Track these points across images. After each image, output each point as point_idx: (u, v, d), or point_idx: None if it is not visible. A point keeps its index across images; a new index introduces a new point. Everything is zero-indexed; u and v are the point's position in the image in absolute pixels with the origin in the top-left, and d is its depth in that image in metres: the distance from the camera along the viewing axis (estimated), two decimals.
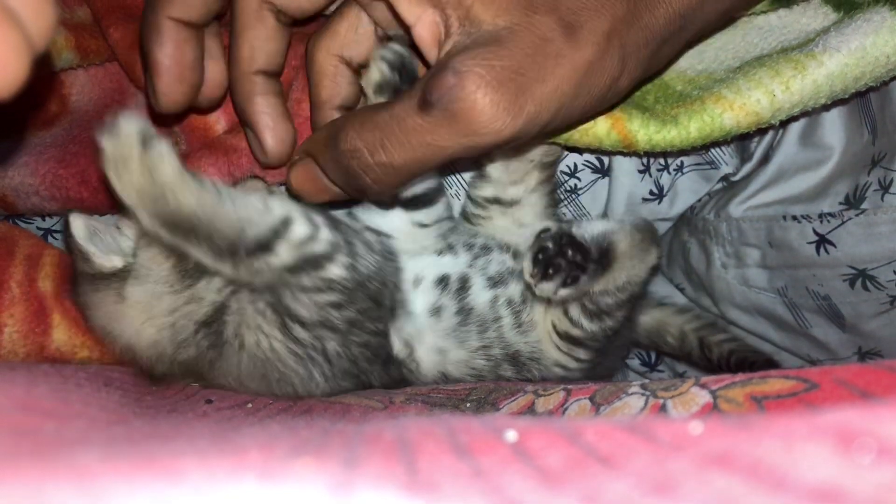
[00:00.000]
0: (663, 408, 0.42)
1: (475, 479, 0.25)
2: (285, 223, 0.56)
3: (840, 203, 0.68)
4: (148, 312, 0.62)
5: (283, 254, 0.56)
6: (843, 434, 0.22)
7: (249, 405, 0.57)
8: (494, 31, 0.47)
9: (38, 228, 0.80)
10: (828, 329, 0.75)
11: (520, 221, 0.75)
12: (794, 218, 0.71)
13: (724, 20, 0.64)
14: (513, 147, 0.56)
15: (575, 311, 0.70)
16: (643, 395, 0.43)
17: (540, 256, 0.64)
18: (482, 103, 0.46)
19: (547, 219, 0.76)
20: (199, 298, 0.62)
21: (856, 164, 0.67)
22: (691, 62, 0.68)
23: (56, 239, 0.80)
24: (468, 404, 0.57)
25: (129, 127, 0.52)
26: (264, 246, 0.55)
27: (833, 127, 0.69)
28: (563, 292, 0.64)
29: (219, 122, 0.71)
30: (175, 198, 0.53)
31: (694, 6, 0.51)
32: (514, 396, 0.55)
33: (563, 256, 0.63)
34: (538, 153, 0.71)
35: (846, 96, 0.59)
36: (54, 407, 0.33)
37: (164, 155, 0.51)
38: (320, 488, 0.24)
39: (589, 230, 0.65)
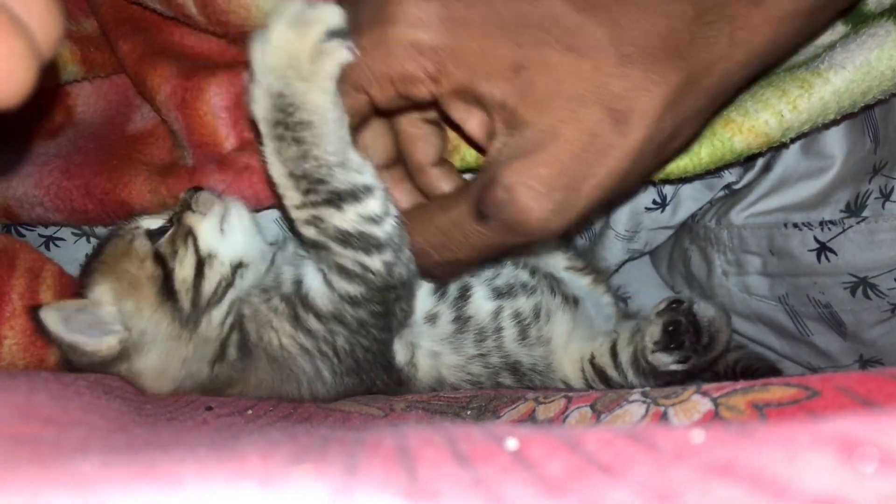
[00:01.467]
0: (664, 415, 0.41)
1: (475, 487, 0.25)
2: (367, 190, 0.56)
3: (841, 211, 0.68)
4: (163, 374, 0.63)
5: (349, 216, 0.56)
6: (845, 443, 0.22)
7: (249, 412, 0.57)
8: (539, 133, 0.47)
9: (40, 236, 0.80)
10: (829, 337, 0.75)
11: None
12: (796, 226, 0.71)
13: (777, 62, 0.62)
14: None
15: (625, 357, 0.72)
16: (644, 402, 0.43)
17: (670, 329, 0.68)
18: (535, 212, 0.47)
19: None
20: (206, 339, 0.63)
21: (857, 172, 0.68)
22: None
23: (58, 247, 0.80)
24: (469, 412, 0.57)
25: (330, 15, 0.51)
26: (337, 198, 0.55)
27: (835, 136, 0.69)
28: (674, 367, 0.69)
29: (228, 139, 0.70)
30: (310, 89, 0.52)
31: (756, 55, 0.48)
32: (515, 404, 0.55)
33: (688, 336, 0.68)
34: None
35: (855, 110, 0.59)
36: (54, 414, 0.33)
37: (336, 55, 0.51)
38: (320, 495, 0.24)
39: (704, 314, 0.69)
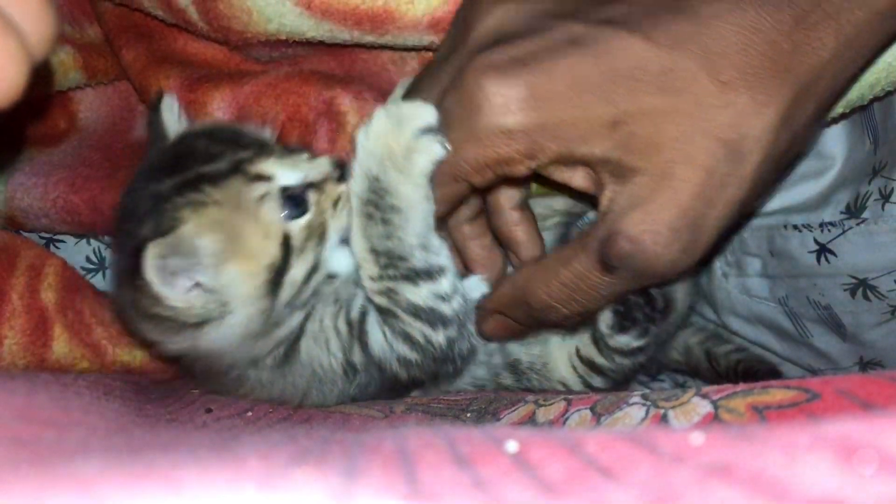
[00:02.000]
0: (664, 418, 0.41)
1: (476, 489, 0.25)
2: (441, 271, 0.57)
3: (841, 212, 0.68)
4: (216, 358, 0.61)
5: (422, 293, 0.57)
6: (844, 446, 0.22)
7: (249, 413, 0.57)
8: (652, 178, 0.46)
9: (41, 237, 0.80)
10: (829, 339, 0.75)
11: None
12: (795, 227, 0.71)
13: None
14: None
15: (605, 320, 0.70)
16: (644, 405, 0.43)
17: (620, 309, 0.67)
18: (664, 257, 0.47)
19: None
20: (274, 340, 0.61)
21: (857, 173, 0.68)
22: None
23: (58, 248, 0.80)
24: (469, 414, 0.57)
25: (424, 113, 0.53)
26: (414, 275, 0.57)
27: (835, 136, 0.69)
28: (637, 343, 0.68)
29: None
30: (404, 181, 0.54)
31: (865, 50, 0.46)
32: (515, 406, 0.55)
33: (639, 309, 0.67)
34: (564, 204, 0.72)
35: (864, 103, 0.58)
36: (54, 416, 0.33)
37: (429, 152, 0.52)
38: (320, 498, 0.24)
39: None
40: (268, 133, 0.62)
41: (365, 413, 0.58)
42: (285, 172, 0.57)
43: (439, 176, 0.53)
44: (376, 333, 0.61)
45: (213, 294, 0.54)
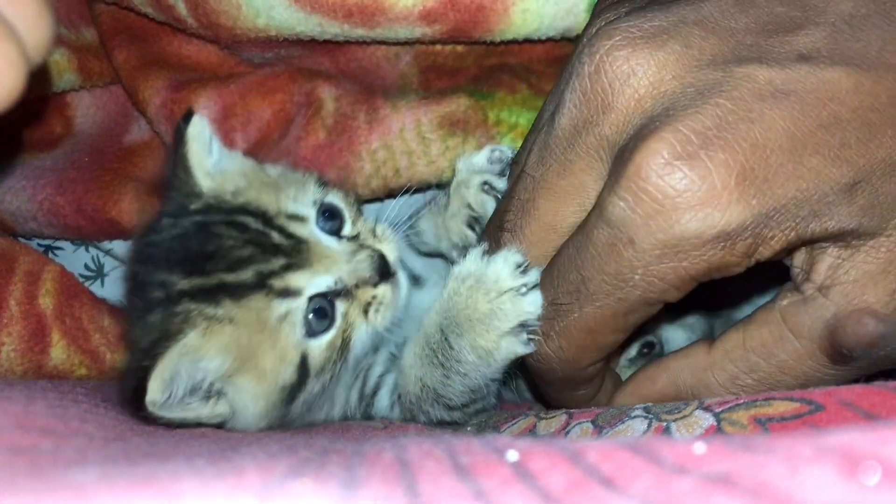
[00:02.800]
0: (667, 430, 0.41)
1: (476, 500, 0.25)
2: (482, 398, 0.56)
3: None
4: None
5: (455, 415, 0.56)
6: (847, 456, 0.22)
7: None
8: (877, 260, 0.39)
9: (39, 245, 0.80)
10: None
11: None
12: None
13: None
14: None
15: (630, 353, 0.68)
16: (646, 418, 0.43)
17: (645, 351, 0.64)
18: None
19: None
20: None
21: None
22: None
23: (56, 255, 0.80)
24: (469, 427, 0.57)
25: (529, 306, 0.48)
26: (453, 406, 0.55)
27: None
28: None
29: None
30: (473, 356, 0.51)
31: None
32: (516, 420, 0.54)
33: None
34: None
35: None
36: (52, 424, 0.33)
37: (516, 348, 0.49)
38: None
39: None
40: (312, 203, 0.55)
41: (364, 423, 0.57)
42: (314, 283, 0.52)
43: (608, 313, 0.43)
44: (383, 401, 0.60)
45: (219, 405, 0.52)
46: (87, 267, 0.81)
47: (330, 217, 0.56)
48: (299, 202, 0.55)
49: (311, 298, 0.52)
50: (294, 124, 0.68)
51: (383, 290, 0.55)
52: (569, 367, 0.47)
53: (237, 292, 0.50)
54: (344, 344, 0.54)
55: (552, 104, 0.47)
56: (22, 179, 0.73)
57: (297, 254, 0.52)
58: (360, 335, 0.55)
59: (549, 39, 0.65)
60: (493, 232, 0.51)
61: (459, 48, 0.69)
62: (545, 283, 0.47)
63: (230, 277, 0.50)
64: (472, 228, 0.59)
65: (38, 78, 0.69)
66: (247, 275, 0.51)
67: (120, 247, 0.77)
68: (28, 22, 0.32)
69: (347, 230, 0.57)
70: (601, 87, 0.41)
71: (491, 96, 0.65)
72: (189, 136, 0.54)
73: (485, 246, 0.51)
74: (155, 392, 0.46)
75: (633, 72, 0.40)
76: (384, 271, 0.55)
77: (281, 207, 0.54)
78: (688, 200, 0.37)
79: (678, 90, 0.39)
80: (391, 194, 0.67)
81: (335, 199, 0.57)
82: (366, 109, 0.65)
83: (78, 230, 0.74)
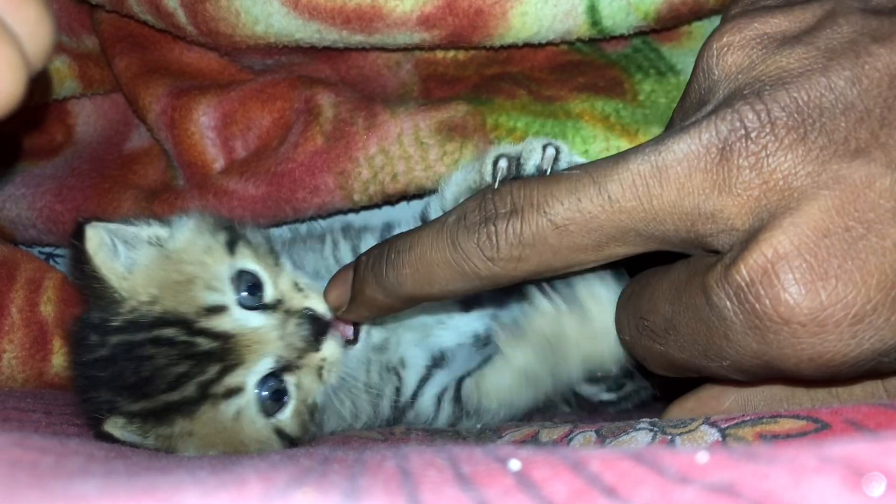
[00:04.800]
0: (671, 443, 0.41)
1: None
2: None
3: None
4: None
5: None
6: (852, 467, 0.22)
7: None
8: None
9: (40, 253, 0.80)
10: None
11: None
12: None
13: None
14: None
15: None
16: (651, 430, 0.43)
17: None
18: None
19: None
20: None
21: None
22: None
23: (57, 263, 0.80)
24: (469, 434, 0.57)
25: None
26: None
27: None
28: (606, 397, 0.64)
29: (217, 160, 0.70)
30: None
31: None
32: (519, 427, 0.54)
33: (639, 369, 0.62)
34: None
35: None
36: (50, 446, 0.32)
37: None
38: None
39: None
40: (229, 280, 0.54)
41: (364, 435, 0.57)
42: (255, 372, 0.52)
43: (691, 367, 0.42)
44: (426, 404, 0.62)
45: None
46: None
47: (250, 289, 0.54)
48: (214, 283, 0.53)
49: (257, 385, 0.53)
50: (292, 131, 0.68)
51: (327, 349, 0.54)
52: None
53: (185, 409, 0.51)
54: (310, 407, 0.54)
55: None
56: (22, 187, 0.73)
57: (228, 353, 0.52)
58: (324, 394, 0.55)
59: (550, 44, 0.65)
60: None
61: (461, 56, 0.69)
62: (639, 288, 0.46)
63: (174, 397, 0.50)
64: None
65: (39, 85, 0.70)
66: (189, 390, 0.51)
67: None
68: (28, 27, 0.32)
69: (269, 295, 0.55)
70: (728, 164, 0.38)
71: (490, 102, 0.65)
72: (91, 252, 0.53)
73: None
74: None
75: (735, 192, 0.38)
76: (321, 330, 0.54)
77: (198, 303, 0.52)
78: (801, 329, 0.36)
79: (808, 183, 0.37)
80: (388, 200, 0.67)
81: (247, 262, 0.55)
82: (364, 115, 0.65)
83: None
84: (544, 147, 0.50)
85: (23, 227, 0.74)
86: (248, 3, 0.61)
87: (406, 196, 0.66)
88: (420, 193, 0.67)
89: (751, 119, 0.37)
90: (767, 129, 0.37)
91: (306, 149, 0.66)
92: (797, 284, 0.35)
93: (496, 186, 0.45)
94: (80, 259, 0.53)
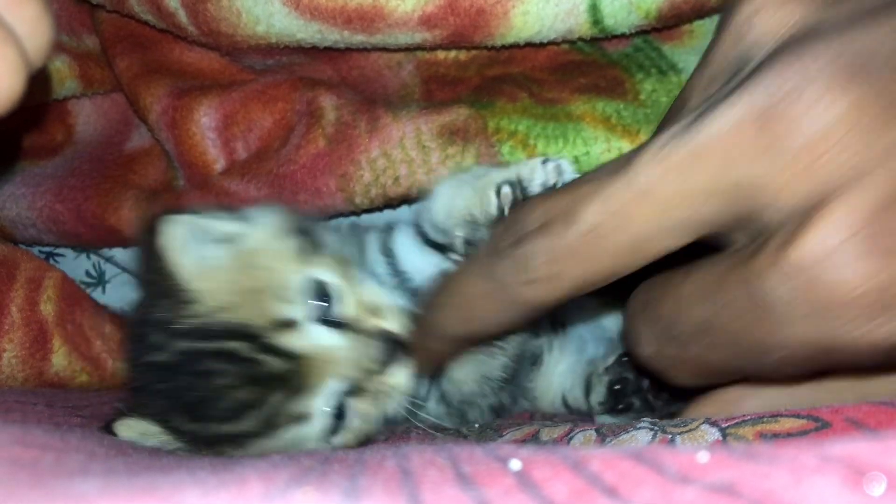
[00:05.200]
0: (672, 442, 0.41)
1: None
2: None
3: None
4: None
5: None
6: (853, 467, 0.22)
7: None
8: None
9: (40, 252, 0.80)
10: None
11: None
12: None
13: None
14: None
15: (598, 395, 0.65)
16: (651, 429, 0.43)
17: (616, 388, 0.60)
18: None
19: None
20: None
21: None
22: None
23: (57, 262, 0.80)
24: (469, 432, 0.57)
25: None
26: None
27: None
28: (604, 419, 0.62)
29: (218, 160, 0.70)
30: None
31: None
32: (520, 426, 0.54)
33: (638, 396, 0.59)
34: None
35: None
36: (51, 442, 0.32)
37: None
38: None
39: None
40: (301, 292, 0.49)
41: None
42: (324, 395, 0.48)
43: (729, 369, 0.40)
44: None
45: None
46: (88, 274, 0.81)
47: (322, 298, 0.50)
48: (286, 294, 0.49)
49: (324, 411, 0.49)
50: (294, 133, 0.68)
51: (397, 377, 0.50)
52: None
53: (239, 440, 0.47)
54: (365, 433, 0.52)
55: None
56: (22, 186, 0.73)
57: (296, 377, 0.47)
58: (377, 419, 0.52)
59: (552, 43, 0.65)
60: None
61: (462, 56, 0.69)
62: (658, 294, 0.42)
63: (230, 428, 0.47)
64: None
65: (39, 85, 0.70)
66: (248, 424, 0.47)
67: (121, 254, 0.77)
68: (27, 26, 0.32)
69: (343, 311, 0.50)
70: (777, 127, 0.34)
71: (491, 105, 0.65)
72: (167, 246, 0.48)
73: None
74: None
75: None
76: (394, 351, 0.50)
77: (268, 314, 0.48)
78: (868, 310, 0.33)
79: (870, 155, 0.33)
80: (389, 203, 0.67)
81: (324, 271, 0.51)
82: (367, 118, 0.65)
83: (77, 237, 0.74)
84: (544, 163, 0.49)
85: (23, 227, 0.74)
86: (249, 3, 0.61)
87: (408, 199, 0.66)
88: (422, 196, 0.67)
89: (795, 77, 0.33)
90: (815, 87, 0.33)
91: (308, 151, 0.66)
92: (862, 261, 0.32)
93: (507, 213, 0.44)
94: (152, 255, 0.49)
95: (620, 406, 0.60)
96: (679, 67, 0.67)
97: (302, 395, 0.47)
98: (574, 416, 0.67)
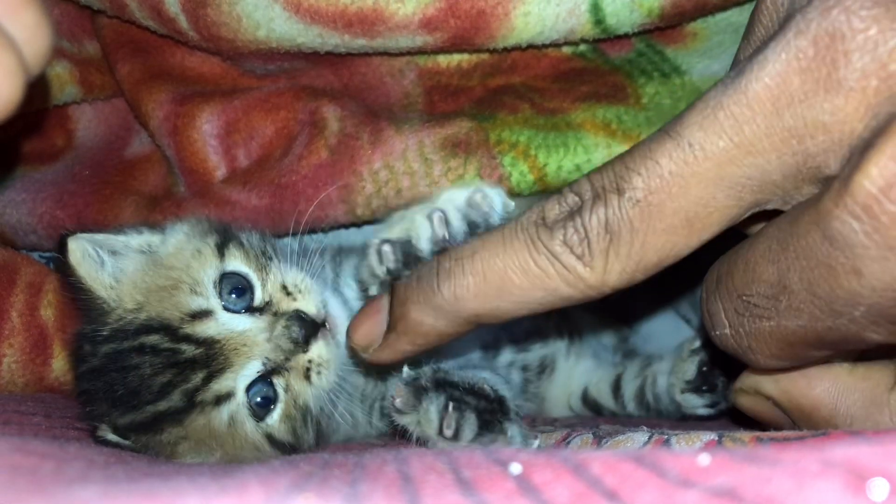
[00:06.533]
0: (667, 443, 0.41)
1: None
2: None
3: None
4: None
5: None
6: (855, 471, 0.22)
7: None
8: None
9: (41, 257, 0.80)
10: None
11: None
12: None
13: None
14: None
15: (629, 390, 0.68)
16: (647, 431, 0.43)
17: (705, 369, 0.62)
18: None
19: None
20: None
21: None
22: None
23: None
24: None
25: None
26: None
27: None
28: (702, 412, 0.64)
29: (219, 167, 0.70)
30: None
31: None
32: None
33: (722, 380, 0.62)
34: None
35: None
36: (51, 451, 0.32)
37: None
38: None
39: None
40: (213, 284, 0.53)
41: (365, 441, 0.57)
42: (243, 376, 0.52)
43: (812, 336, 0.36)
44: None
45: None
46: None
47: (237, 291, 0.54)
48: (199, 289, 0.53)
49: (247, 389, 0.52)
50: (297, 142, 0.68)
51: (316, 350, 0.53)
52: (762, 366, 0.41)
53: (175, 417, 0.50)
54: (301, 408, 0.54)
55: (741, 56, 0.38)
56: (22, 192, 0.73)
57: (213, 359, 0.51)
58: (315, 397, 0.54)
59: (553, 44, 0.65)
60: None
61: (464, 64, 0.69)
62: (728, 266, 0.39)
63: (160, 407, 0.50)
64: None
65: (39, 90, 0.70)
66: (174, 399, 0.50)
67: None
68: (26, 32, 0.32)
69: (258, 298, 0.54)
70: (831, 56, 0.32)
71: (493, 117, 0.65)
72: (74, 263, 0.54)
73: None
74: None
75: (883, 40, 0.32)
76: (311, 331, 0.53)
77: (183, 308, 0.52)
78: None
79: None
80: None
81: (236, 263, 0.55)
82: (370, 130, 0.65)
83: None
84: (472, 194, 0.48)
85: (23, 233, 0.74)
86: (249, 7, 0.61)
87: None
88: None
89: (841, 11, 0.31)
90: (862, 16, 0.31)
91: (311, 161, 0.66)
92: None
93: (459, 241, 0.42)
94: (66, 271, 0.54)
95: (706, 386, 0.62)
96: (683, 69, 0.67)
97: (224, 375, 0.51)
98: (577, 420, 0.67)
